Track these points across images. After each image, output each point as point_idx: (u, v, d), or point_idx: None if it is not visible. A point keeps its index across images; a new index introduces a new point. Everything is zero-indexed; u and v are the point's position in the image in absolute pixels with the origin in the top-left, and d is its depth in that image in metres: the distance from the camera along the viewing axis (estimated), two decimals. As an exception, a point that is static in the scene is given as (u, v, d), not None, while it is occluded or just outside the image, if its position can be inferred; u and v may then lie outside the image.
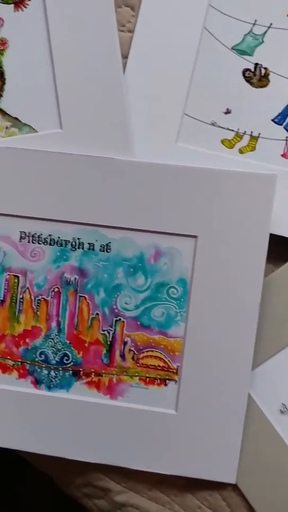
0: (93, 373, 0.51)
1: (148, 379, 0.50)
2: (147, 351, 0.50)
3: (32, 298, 0.50)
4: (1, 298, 0.50)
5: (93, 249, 0.49)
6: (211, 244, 0.48)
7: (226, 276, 0.48)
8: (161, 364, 0.50)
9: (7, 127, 0.51)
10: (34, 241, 0.50)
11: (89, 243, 0.49)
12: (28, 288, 0.50)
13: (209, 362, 0.49)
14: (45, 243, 0.50)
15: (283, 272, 0.50)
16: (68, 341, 0.50)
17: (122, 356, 0.50)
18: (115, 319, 0.50)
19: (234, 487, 0.51)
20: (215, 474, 0.50)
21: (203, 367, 0.49)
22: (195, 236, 0.48)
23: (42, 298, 0.50)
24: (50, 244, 0.50)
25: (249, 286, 0.48)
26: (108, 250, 0.49)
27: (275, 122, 0.50)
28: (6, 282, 0.50)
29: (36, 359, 0.51)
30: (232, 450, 0.50)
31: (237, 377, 0.49)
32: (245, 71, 0.50)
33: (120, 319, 0.50)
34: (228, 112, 0.51)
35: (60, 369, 0.51)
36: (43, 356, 0.51)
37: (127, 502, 0.53)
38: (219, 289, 0.48)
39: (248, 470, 0.50)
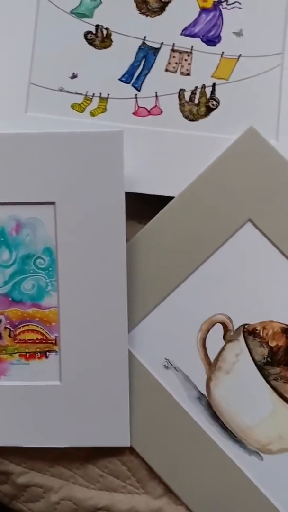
0: (-28, 357, 0.50)
1: (28, 354, 0.49)
2: (23, 326, 0.49)
3: None
4: None
5: None
6: (70, 209, 0.47)
7: (90, 239, 0.48)
8: (39, 337, 0.49)
9: None
10: None
11: None
12: None
13: (86, 328, 0.48)
14: None
15: (149, 229, 0.50)
16: None
17: (-1, 334, 0.49)
18: (-14, 298, 0.49)
19: (132, 450, 0.51)
20: (110, 440, 0.50)
21: (81, 334, 0.48)
22: (53, 203, 0.48)
23: None
24: None
25: (113, 247, 0.47)
26: None
27: (122, 81, 0.50)
28: None
29: None
30: (121, 412, 0.49)
31: (115, 339, 0.48)
32: (86, 33, 0.50)
33: (-9, 297, 0.49)
34: (74, 76, 0.50)
35: None
36: None
37: (30, 482, 0.52)
38: (85, 254, 0.48)
39: (141, 430, 0.50)
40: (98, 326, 0.48)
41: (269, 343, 0.49)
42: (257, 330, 0.49)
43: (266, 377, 0.49)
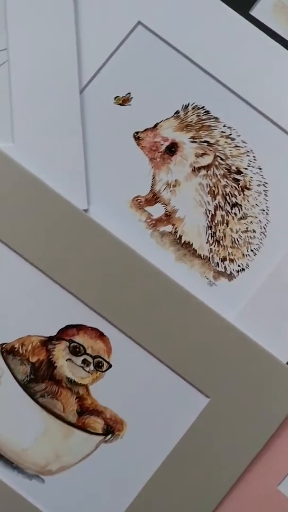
0: None
1: None
2: None
3: None
4: None
5: None
6: None
7: None
8: None
9: None
10: None
11: None
12: None
13: None
14: None
15: None
16: None
17: None
18: None
19: None
20: None
21: None
22: None
23: None
24: None
25: None
26: None
27: None
28: None
29: None
30: None
31: None
32: None
33: None
34: None
35: None
36: None
37: None
38: None
39: None
40: None
41: (30, 359, 0.46)
42: (15, 347, 0.46)
43: (32, 395, 0.46)
